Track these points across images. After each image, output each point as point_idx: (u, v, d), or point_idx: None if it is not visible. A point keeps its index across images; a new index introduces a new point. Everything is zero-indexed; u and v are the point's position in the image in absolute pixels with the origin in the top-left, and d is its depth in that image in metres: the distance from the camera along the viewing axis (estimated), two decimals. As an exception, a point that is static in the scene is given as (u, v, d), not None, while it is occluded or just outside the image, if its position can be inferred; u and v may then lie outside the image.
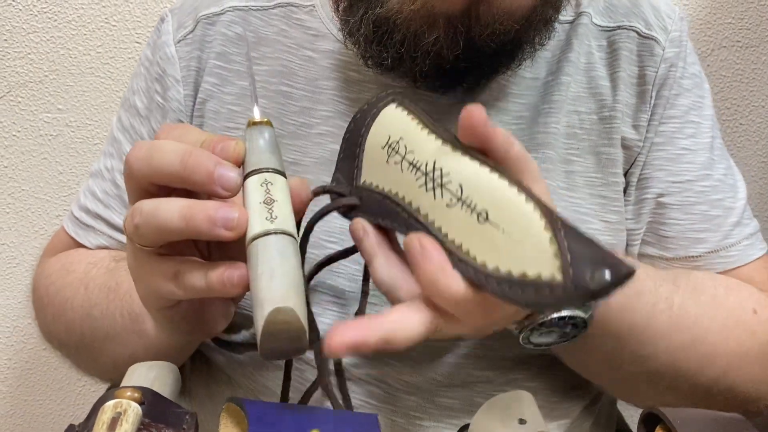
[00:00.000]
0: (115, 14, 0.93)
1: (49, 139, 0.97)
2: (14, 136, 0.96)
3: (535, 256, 0.35)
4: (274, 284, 0.38)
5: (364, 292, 0.52)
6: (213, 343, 0.64)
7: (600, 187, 0.60)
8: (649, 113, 0.61)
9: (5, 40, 0.93)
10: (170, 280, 0.42)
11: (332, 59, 0.61)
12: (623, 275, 0.33)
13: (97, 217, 0.66)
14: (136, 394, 0.39)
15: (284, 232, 0.40)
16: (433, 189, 0.40)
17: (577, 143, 0.60)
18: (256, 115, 0.45)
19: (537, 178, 0.42)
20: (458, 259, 0.38)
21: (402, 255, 0.42)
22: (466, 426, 0.49)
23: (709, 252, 0.62)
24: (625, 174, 0.62)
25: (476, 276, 0.37)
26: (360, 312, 0.52)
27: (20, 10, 0.92)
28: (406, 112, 0.45)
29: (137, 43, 0.94)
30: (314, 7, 0.63)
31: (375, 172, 0.45)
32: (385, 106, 0.46)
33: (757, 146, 1.01)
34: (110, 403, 0.37)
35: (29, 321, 1.02)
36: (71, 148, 0.97)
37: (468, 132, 0.40)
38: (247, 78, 0.62)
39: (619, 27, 0.62)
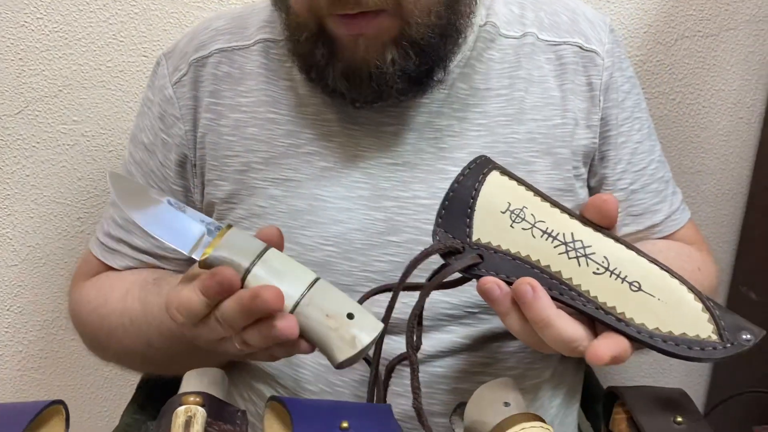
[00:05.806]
0: (122, 31, 0.99)
1: (66, 149, 1.04)
2: (34, 147, 1.03)
3: (692, 321, 0.47)
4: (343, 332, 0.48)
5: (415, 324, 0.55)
6: None
7: (558, 181, 0.69)
8: (600, 114, 0.70)
9: (20, 59, 0.99)
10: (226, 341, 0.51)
11: (309, 86, 0.68)
12: (758, 335, 0.47)
13: (120, 240, 0.73)
14: (198, 399, 0.47)
15: (310, 285, 0.49)
16: (577, 258, 0.50)
17: (537, 146, 0.68)
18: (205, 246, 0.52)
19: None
20: (617, 319, 0.48)
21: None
22: (462, 404, 0.58)
23: (665, 218, 0.75)
24: (589, 171, 0.71)
25: (640, 334, 0.48)
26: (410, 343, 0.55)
27: (33, 30, 0.98)
28: (515, 182, 0.53)
29: (144, 56, 1.00)
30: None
31: (494, 234, 0.52)
32: (489, 172, 0.54)
33: (718, 126, 1.10)
34: (181, 408, 0.46)
35: (57, 314, 1.11)
36: (88, 155, 1.04)
37: (602, 215, 0.51)
38: (237, 111, 0.69)
39: (564, 42, 0.71)
